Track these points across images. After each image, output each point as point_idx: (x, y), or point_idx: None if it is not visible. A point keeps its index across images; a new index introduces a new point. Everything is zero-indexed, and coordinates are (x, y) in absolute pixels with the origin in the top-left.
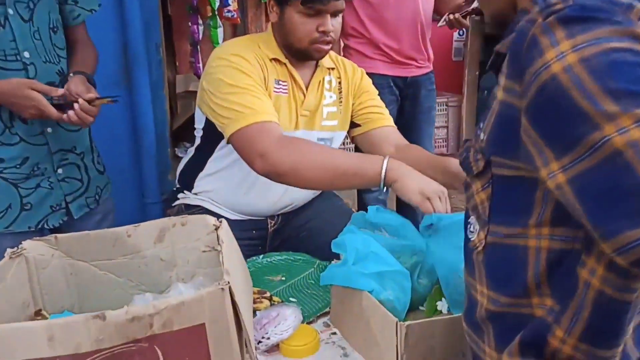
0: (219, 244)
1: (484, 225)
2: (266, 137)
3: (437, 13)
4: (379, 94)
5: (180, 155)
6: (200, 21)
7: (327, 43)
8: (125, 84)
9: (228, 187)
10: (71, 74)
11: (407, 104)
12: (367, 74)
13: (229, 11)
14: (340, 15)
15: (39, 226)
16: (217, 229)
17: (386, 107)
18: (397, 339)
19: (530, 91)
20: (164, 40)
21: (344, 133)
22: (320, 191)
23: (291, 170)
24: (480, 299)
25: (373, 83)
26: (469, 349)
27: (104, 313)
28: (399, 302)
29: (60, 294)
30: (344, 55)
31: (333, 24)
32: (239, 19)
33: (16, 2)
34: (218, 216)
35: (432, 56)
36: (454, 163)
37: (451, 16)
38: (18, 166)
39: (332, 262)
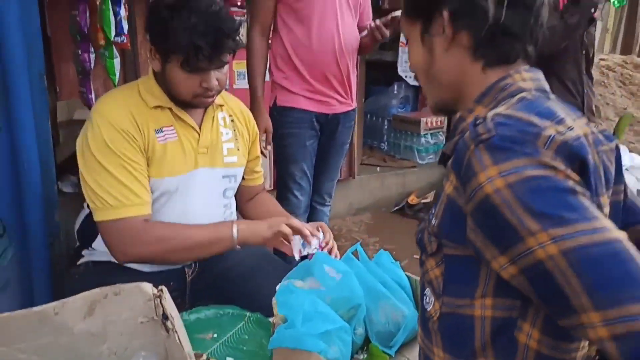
0: (157, 314)
1: (439, 297)
2: (125, 235)
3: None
4: (300, 128)
5: (65, 190)
6: (91, 49)
7: (212, 96)
8: (5, 117)
9: None
10: None
11: (323, 138)
12: (290, 108)
13: (118, 35)
14: (226, 65)
15: None
16: (157, 296)
17: (306, 142)
18: None
19: (471, 203)
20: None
21: (243, 168)
22: None
23: (153, 260)
24: None
25: (295, 117)
26: None
27: None
28: (343, 357)
29: None
30: (271, 89)
31: (218, 77)
32: (129, 44)
33: None
34: (131, 271)
35: (354, 94)
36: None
37: (372, 24)
38: None
39: (272, 320)
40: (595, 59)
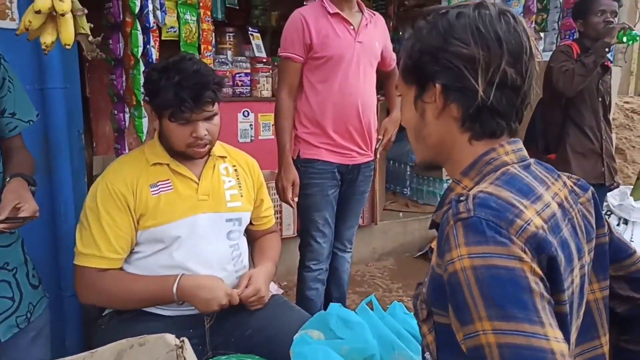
0: None
1: None
2: (82, 281)
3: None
4: (322, 179)
5: None
6: (126, 109)
7: (204, 145)
8: (45, 172)
9: None
10: (8, 178)
11: (343, 187)
12: (313, 160)
13: None
14: (216, 117)
15: None
16: (178, 347)
17: (328, 192)
18: None
19: (445, 275)
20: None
21: (249, 213)
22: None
23: (104, 306)
24: None
25: (318, 169)
26: None
27: None
28: None
29: None
30: (294, 143)
31: (207, 128)
32: None
33: None
34: (152, 315)
35: (374, 146)
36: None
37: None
38: None
39: None
40: (620, 102)
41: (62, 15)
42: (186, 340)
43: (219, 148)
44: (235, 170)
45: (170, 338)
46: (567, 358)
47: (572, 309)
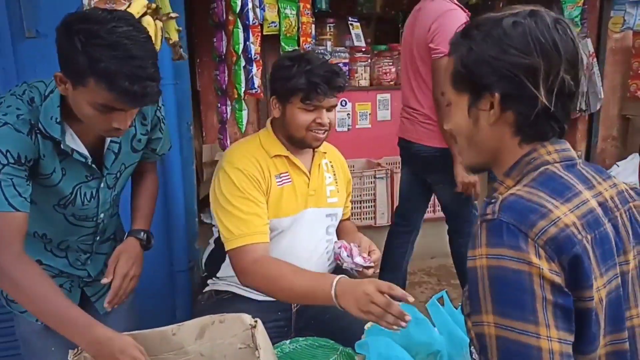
0: (253, 342)
1: (479, 356)
2: (244, 259)
3: None
4: None
5: (205, 221)
6: (228, 102)
7: (323, 132)
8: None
9: None
10: (126, 236)
11: None
12: None
13: (253, 87)
14: (334, 109)
15: None
16: (252, 327)
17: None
18: None
19: (468, 266)
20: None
21: (342, 208)
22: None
23: (259, 290)
24: None
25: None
26: None
27: None
28: None
29: None
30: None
31: (329, 117)
32: (262, 94)
33: (109, 174)
34: (245, 299)
35: None
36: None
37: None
38: (53, 274)
39: (356, 358)
40: None
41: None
42: (259, 320)
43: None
44: (332, 166)
45: (247, 318)
46: (559, 356)
47: (607, 305)
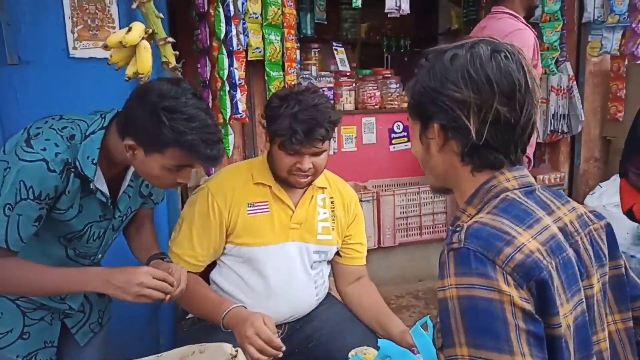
0: None
1: None
2: None
3: None
4: None
5: None
6: None
7: (305, 177)
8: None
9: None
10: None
11: None
12: None
13: (237, 112)
14: (324, 153)
15: (27, 357)
16: (233, 357)
17: None
18: None
19: (438, 298)
20: None
21: (337, 247)
22: (320, 301)
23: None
24: None
25: None
26: None
27: None
28: None
29: None
30: None
31: (314, 162)
32: (247, 119)
33: (119, 216)
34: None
35: None
36: (396, 326)
37: None
38: (33, 307)
39: None
40: None
41: (124, 46)
42: (240, 350)
43: (321, 179)
44: (332, 202)
45: (227, 347)
46: None
47: (575, 331)
